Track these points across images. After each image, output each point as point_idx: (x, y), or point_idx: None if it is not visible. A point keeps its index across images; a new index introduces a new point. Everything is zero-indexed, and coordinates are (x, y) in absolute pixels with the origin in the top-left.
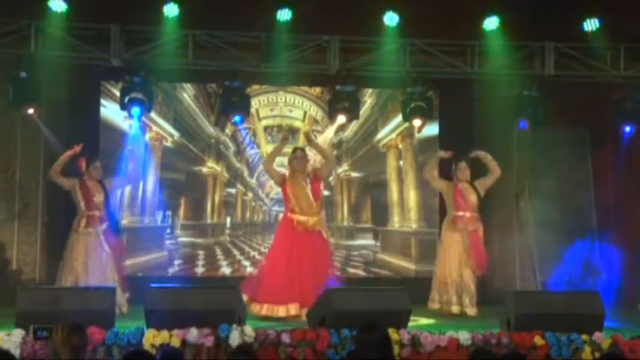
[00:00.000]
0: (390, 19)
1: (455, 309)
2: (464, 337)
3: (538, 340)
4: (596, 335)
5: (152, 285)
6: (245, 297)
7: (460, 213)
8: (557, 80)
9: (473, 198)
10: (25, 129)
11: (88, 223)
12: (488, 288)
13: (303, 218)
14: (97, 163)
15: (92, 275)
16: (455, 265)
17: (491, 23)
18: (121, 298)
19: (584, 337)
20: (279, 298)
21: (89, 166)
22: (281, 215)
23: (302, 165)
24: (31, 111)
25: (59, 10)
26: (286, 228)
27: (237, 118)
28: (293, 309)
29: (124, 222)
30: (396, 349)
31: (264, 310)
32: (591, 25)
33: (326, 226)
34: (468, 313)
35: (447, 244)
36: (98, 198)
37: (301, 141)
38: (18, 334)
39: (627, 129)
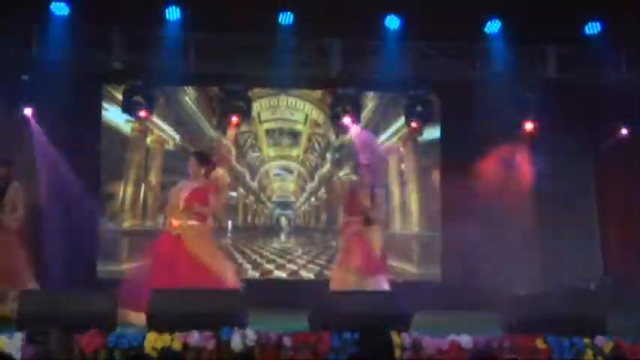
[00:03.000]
0: (392, 21)
1: None
2: (465, 340)
3: (540, 343)
4: (598, 338)
5: (153, 288)
6: None
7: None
8: (558, 83)
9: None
10: (26, 131)
11: None
12: (490, 290)
13: None
14: None
15: None
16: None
17: (492, 26)
18: None
19: (586, 340)
20: None
21: None
22: None
23: None
24: (31, 113)
25: (61, 13)
26: None
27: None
28: None
29: (126, 225)
30: (397, 352)
31: None
32: (593, 27)
33: None
34: None
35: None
36: None
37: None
38: (19, 337)
39: (628, 131)
